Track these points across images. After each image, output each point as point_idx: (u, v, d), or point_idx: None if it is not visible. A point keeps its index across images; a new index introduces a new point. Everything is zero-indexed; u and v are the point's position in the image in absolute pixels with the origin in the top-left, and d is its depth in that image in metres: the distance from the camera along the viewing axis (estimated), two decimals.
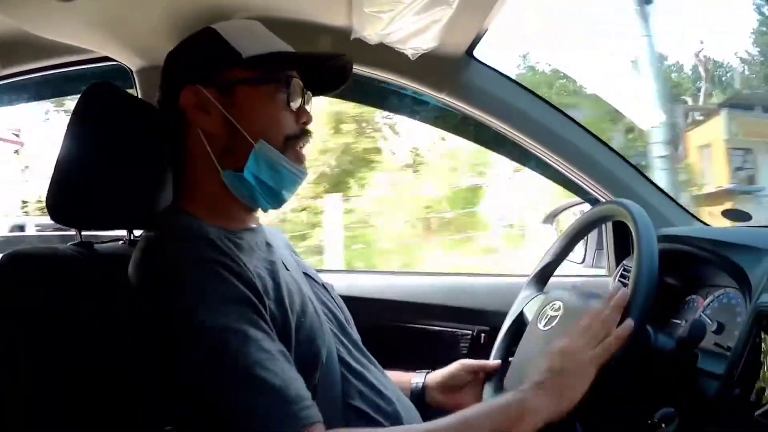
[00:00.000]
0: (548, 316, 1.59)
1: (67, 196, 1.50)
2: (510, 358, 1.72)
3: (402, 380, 1.78)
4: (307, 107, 1.57)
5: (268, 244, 1.54)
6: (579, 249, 2.42)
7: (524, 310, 1.79)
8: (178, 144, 1.51)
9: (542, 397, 1.27)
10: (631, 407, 1.41)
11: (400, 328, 2.47)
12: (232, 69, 1.46)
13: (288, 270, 1.52)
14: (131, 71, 2.14)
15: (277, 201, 1.52)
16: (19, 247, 1.48)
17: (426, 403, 1.79)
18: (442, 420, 1.29)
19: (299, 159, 1.52)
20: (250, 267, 1.34)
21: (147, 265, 1.35)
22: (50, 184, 1.49)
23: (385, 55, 1.93)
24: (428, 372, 1.85)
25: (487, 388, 1.74)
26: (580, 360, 1.30)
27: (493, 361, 1.79)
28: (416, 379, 1.83)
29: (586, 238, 2.34)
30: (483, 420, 1.27)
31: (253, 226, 1.56)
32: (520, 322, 1.80)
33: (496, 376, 1.75)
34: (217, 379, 1.19)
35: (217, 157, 1.45)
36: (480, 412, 1.31)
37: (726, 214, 2.34)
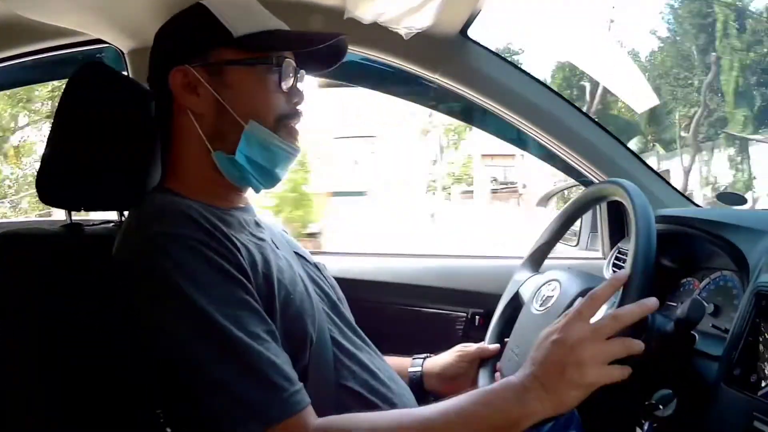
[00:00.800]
0: (544, 296, 1.58)
1: (57, 176, 1.48)
2: (506, 339, 1.71)
3: (399, 366, 1.77)
4: (300, 86, 1.53)
5: (257, 223, 1.53)
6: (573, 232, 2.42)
7: (519, 291, 1.77)
8: (168, 124, 1.49)
9: (541, 398, 1.22)
10: (629, 389, 1.40)
11: (395, 310, 2.46)
12: (222, 49, 1.43)
13: (278, 248, 1.51)
14: (122, 53, 2.12)
15: (270, 180, 1.50)
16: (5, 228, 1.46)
17: (424, 389, 1.79)
18: (438, 407, 1.26)
19: (292, 135, 1.49)
20: (237, 242, 1.32)
21: (128, 244, 1.33)
22: (40, 165, 1.47)
23: (378, 34, 1.93)
24: (426, 357, 1.85)
25: (482, 374, 1.73)
26: (581, 358, 1.22)
27: (491, 345, 1.76)
28: (414, 368, 1.81)
29: (580, 220, 2.34)
30: (480, 416, 1.24)
31: (242, 205, 1.54)
32: (515, 304, 1.77)
33: (491, 361, 1.74)
34: (204, 361, 1.18)
35: (207, 138, 1.43)
36: (477, 406, 1.25)
37: (721, 197, 2.35)
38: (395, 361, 1.75)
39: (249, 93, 1.44)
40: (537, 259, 1.84)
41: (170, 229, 1.26)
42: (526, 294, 1.72)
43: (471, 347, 1.79)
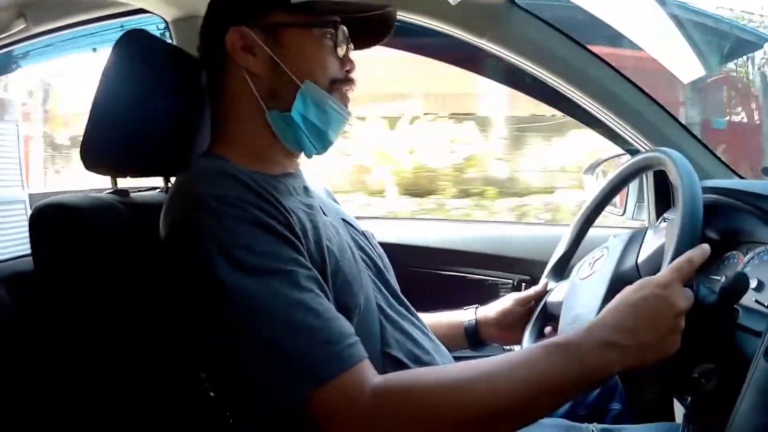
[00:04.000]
0: (593, 258, 1.59)
1: (101, 143, 1.48)
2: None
3: (451, 320, 1.84)
4: (351, 56, 1.54)
5: (306, 189, 1.53)
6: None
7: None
8: (219, 87, 1.49)
9: (609, 355, 1.16)
10: (671, 362, 1.40)
11: (440, 276, 2.48)
12: (278, 12, 1.44)
13: (326, 215, 1.50)
14: (167, 22, 2.13)
15: (323, 143, 1.50)
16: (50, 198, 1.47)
17: (480, 339, 1.83)
18: (501, 358, 1.19)
19: (344, 100, 1.50)
20: (287, 208, 1.30)
21: (175, 206, 1.31)
22: (84, 132, 1.47)
23: (426, 0, 1.91)
24: (477, 307, 1.87)
25: (529, 333, 1.73)
26: (678, 327, 1.21)
27: (540, 284, 1.81)
28: (467, 316, 1.85)
29: (627, 189, 2.32)
30: (547, 366, 1.15)
31: (292, 171, 1.54)
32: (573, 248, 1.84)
33: (537, 320, 1.76)
34: (250, 320, 1.15)
35: (262, 98, 1.44)
36: (550, 356, 1.17)
37: (767, 170, 2.33)
38: (447, 317, 1.82)
39: (305, 54, 1.45)
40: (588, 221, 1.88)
41: (218, 191, 1.24)
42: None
43: (525, 292, 1.83)
